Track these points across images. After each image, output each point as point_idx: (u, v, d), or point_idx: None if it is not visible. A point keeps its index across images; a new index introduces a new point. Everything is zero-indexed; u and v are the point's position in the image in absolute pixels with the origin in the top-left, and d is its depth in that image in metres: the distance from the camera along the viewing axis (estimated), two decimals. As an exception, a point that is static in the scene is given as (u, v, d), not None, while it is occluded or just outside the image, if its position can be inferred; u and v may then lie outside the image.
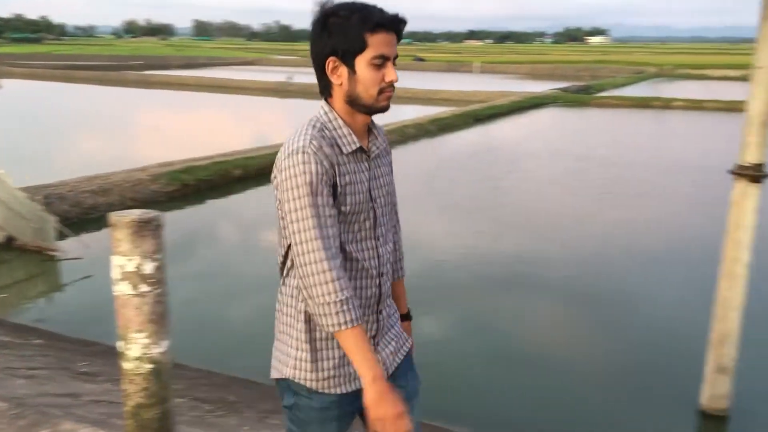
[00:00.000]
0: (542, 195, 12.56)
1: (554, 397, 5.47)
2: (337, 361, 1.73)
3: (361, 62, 1.65)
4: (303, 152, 1.60)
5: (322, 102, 1.74)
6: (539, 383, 5.68)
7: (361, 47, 1.63)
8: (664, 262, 8.84)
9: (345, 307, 1.59)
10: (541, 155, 16.82)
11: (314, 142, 1.62)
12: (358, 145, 1.71)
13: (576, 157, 16.42)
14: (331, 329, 1.60)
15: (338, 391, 1.75)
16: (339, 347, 1.70)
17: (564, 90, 33.36)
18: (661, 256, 9.07)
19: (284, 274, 1.77)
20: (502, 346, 6.36)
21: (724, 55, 75.17)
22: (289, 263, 1.74)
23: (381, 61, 1.65)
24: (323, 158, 1.61)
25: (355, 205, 1.70)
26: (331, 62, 1.67)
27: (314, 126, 1.68)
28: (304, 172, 1.59)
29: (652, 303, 7.42)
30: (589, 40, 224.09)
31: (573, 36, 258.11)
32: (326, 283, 1.58)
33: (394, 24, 1.65)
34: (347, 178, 1.67)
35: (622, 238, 9.89)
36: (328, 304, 1.58)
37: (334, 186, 1.64)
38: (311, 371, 1.72)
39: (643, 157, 16.79)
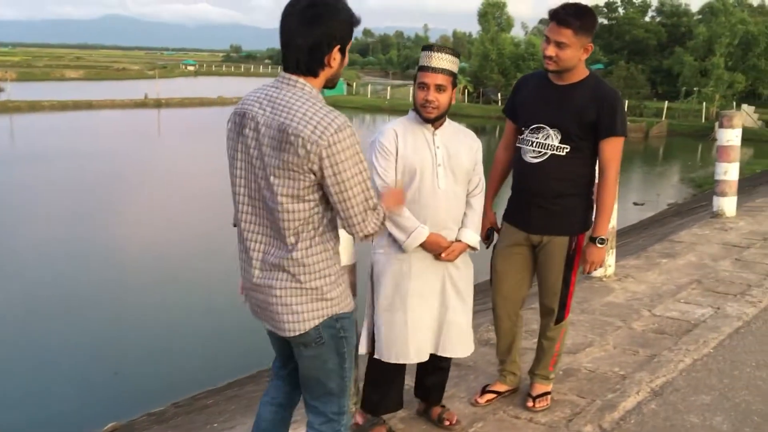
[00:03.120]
0: None
1: None
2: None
3: (345, 50, 1.97)
4: (349, 126, 1.87)
5: (299, 78, 1.92)
6: None
7: (350, 38, 1.97)
8: None
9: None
10: None
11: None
12: None
13: None
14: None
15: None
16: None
17: None
18: None
19: (317, 226, 1.95)
20: None
21: None
22: (323, 218, 1.95)
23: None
24: None
25: None
26: (336, 47, 1.91)
27: (323, 102, 1.91)
28: (358, 142, 1.88)
29: None
30: None
31: None
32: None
33: None
34: None
35: None
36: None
37: None
38: (348, 296, 2.07)
39: None
